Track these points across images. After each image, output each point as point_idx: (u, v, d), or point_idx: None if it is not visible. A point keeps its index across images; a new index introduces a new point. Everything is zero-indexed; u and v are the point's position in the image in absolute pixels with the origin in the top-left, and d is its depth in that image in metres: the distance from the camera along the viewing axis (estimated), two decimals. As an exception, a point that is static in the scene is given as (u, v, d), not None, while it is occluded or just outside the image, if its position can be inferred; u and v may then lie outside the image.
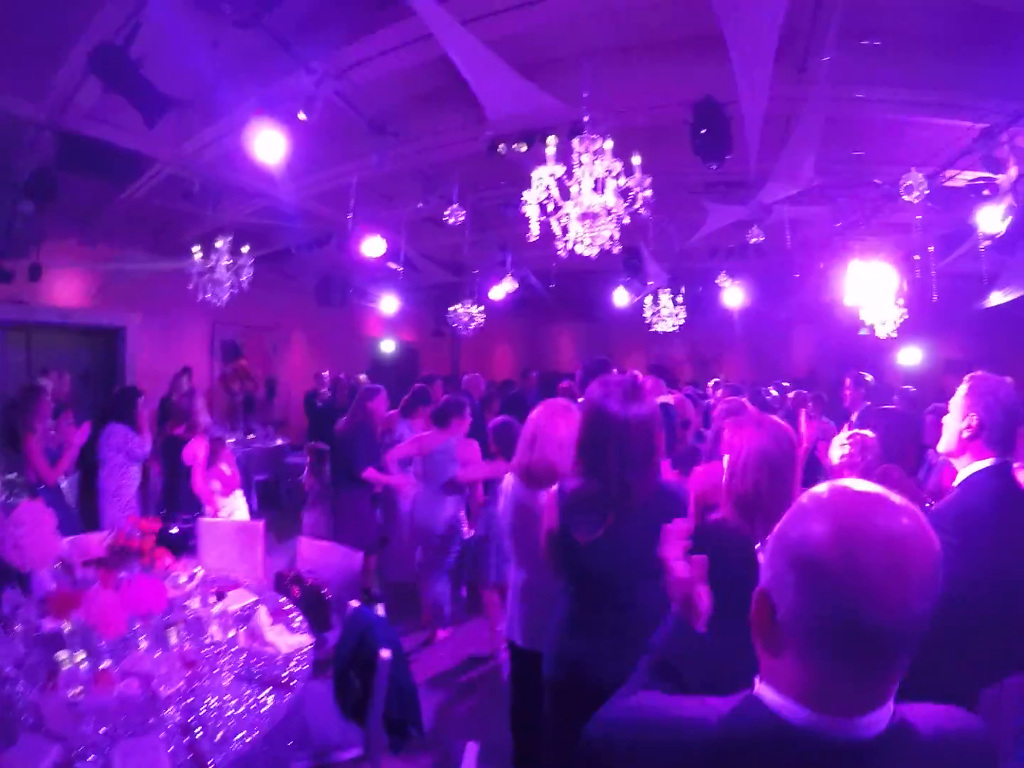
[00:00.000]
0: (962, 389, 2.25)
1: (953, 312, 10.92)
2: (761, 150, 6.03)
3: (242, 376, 9.59)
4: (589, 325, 16.18)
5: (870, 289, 7.33)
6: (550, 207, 3.25)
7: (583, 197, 3.26)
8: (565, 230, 3.37)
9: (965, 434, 2.17)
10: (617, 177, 3.27)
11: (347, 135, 6.08)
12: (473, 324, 8.66)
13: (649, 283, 7.73)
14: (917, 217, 6.76)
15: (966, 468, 2.19)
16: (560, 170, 3.23)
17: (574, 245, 3.40)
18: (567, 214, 3.31)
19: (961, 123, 5.57)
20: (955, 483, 2.23)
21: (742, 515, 2.20)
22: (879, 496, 0.87)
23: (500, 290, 7.83)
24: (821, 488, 0.92)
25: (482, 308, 8.68)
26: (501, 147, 5.65)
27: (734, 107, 5.00)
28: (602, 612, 2.25)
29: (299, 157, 5.73)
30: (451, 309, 8.61)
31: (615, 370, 4.12)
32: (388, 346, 13.45)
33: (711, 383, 7.04)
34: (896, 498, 0.87)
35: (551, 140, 3.50)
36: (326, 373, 9.08)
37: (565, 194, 3.41)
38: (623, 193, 3.41)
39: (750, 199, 6.23)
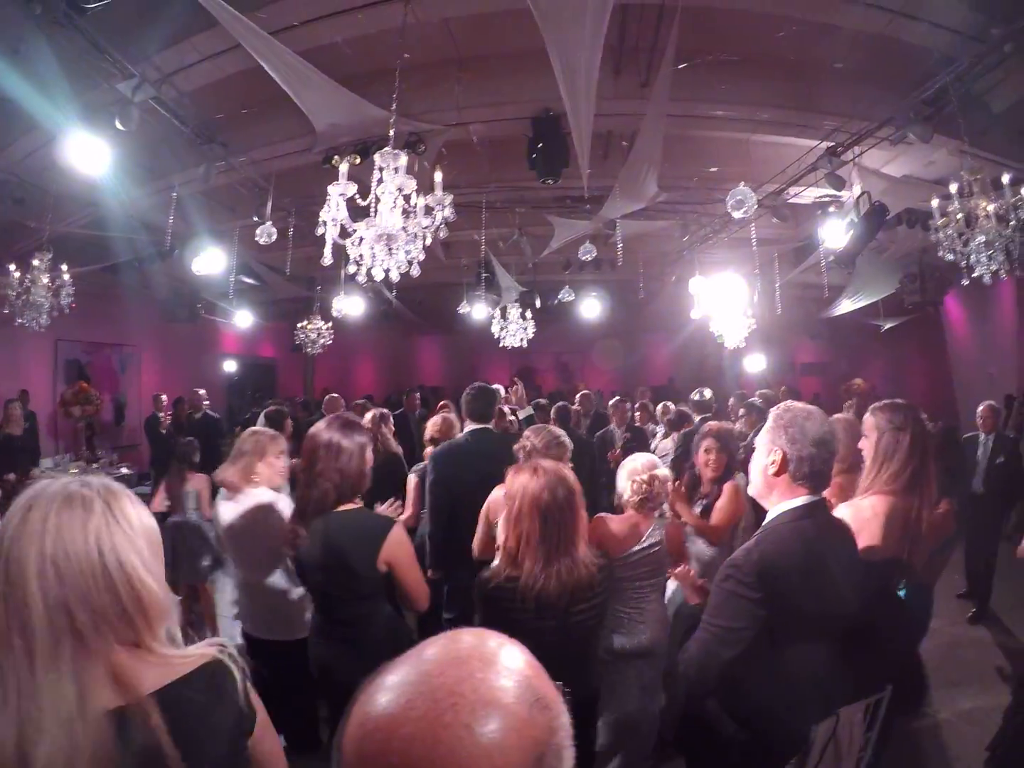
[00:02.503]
0: (767, 423, 2.02)
1: (806, 320, 11.59)
2: (606, 166, 6.10)
3: (82, 399, 8.83)
4: (451, 337, 15.82)
5: (717, 302, 7.57)
6: (337, 230, 3.06)
7: (379, 217, 3.09)
8: (362, 254, 3.19)
9: (770, 471, 1.95)
10: (408, 198, 3.12)
11: (178, 144, 5.69)
12: (322, 340, 8.33)
13: (498, 298, 7.66)
14: (752, 234, 7.02)
15: (775, 508, 1.98)
16: (352, 189, 3.06)
17: (368, 270, 3.23)
18: (360, 237, 3.13)
19: (807, 142, 5.81)
20: (765, 523, 2.00)
21: (513, 563, 2.20)
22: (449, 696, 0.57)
23: (350, 305, 7.51)
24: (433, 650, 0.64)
25: (330, 324, 8.34)
26: (336, 160, 5.43)
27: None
28: (333, 621, 2.49)
29: (132, 166, 5.34)
30: (299, 326, 8.24)
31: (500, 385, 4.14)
32: (244, 363, 12.84)
33: (578, 396, 7.06)
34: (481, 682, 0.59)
35: (345, 159, 3.32)
36: (164, 396, 8.45)
37: (365, 213, 3.24)
38: (429, 211, 3.28)
39: (595, 214, 6.28)
